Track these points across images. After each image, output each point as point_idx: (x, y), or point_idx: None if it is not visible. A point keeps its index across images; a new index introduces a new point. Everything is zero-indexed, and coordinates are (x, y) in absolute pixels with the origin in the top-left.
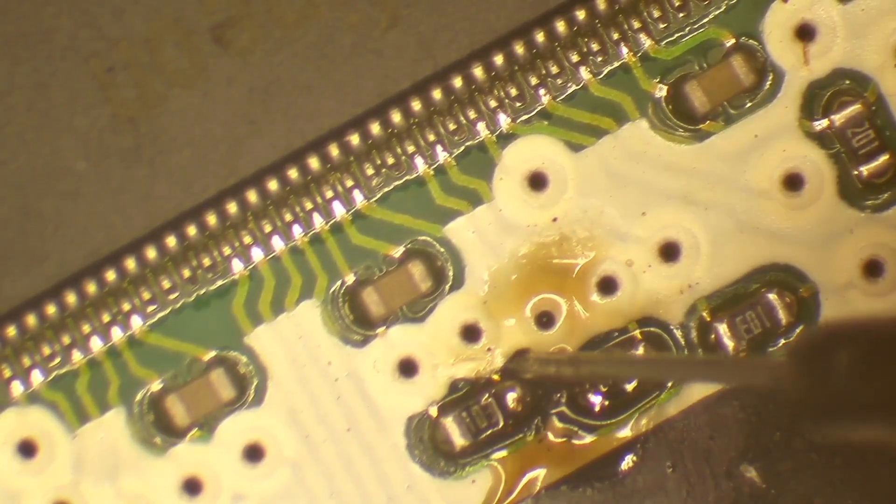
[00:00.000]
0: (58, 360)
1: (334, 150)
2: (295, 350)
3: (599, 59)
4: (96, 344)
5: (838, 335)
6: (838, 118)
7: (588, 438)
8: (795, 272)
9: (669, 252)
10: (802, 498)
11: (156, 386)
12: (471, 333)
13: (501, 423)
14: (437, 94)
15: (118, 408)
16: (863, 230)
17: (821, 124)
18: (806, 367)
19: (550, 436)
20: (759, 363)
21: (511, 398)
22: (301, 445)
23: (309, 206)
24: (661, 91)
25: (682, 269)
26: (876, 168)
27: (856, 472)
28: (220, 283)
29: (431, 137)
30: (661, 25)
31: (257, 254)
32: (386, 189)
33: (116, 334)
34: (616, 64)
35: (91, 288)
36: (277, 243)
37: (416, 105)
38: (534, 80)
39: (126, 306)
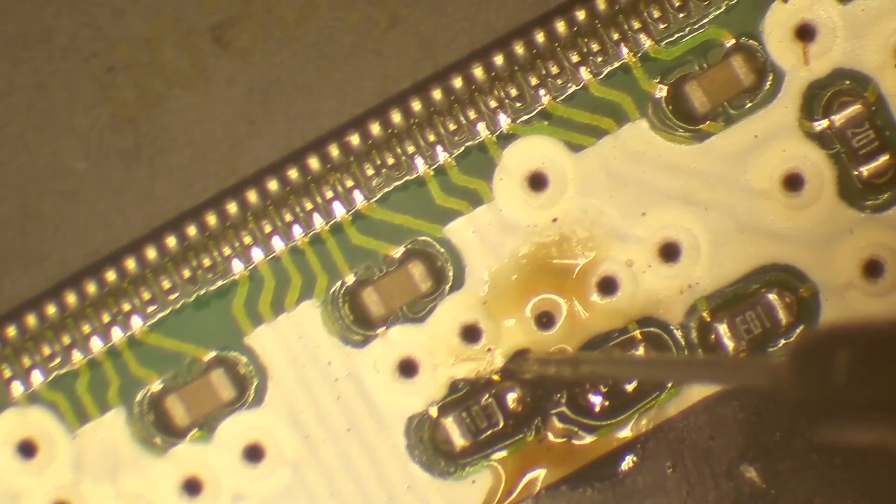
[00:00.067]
0: (58, 360)
1: (334, 150)
2: (295, 350)
3: (599, 59)
4: (96, 344)
5: (838, 336)
6: (838, 118)
7: (588, 439)
8: (795, 272)
9: (669, 252)
10: (802, 498)
11: (156, 386)
12: (471, 333)
13: (501, 424)
14: (437, 94)
15: (118, 408)
16: (863, 230)
17: (821, 124)
18: (805, 368)
19: (550, 436)
20: (758, 364)
21: (511, 398)
22: (301, 445)
23: (309, 206)
24: (661, 91)
25: (682, 269)
26: (876, 168)
27: (856, 472)
28: (220, 283)
29: (431, 137)
30: (661, 26)
31: (257, 254)
32: (386, 189)
33: (116, 334)
34: (616, 64)
35: (91, 288)
36: (277, 243)
37: (416, 105)
38: (534, 81)
39: (126, 306)
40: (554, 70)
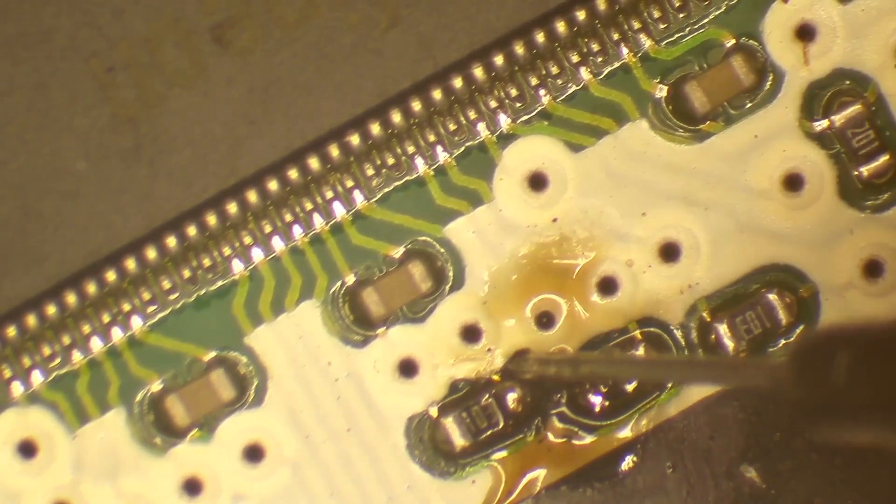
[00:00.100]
0: (58, 360)
1: (334, 150)
2: (295, 350)
3: (599, 59)
4: (96, 344)
5: (837, 336)
6: (838, 118)
7: (588, 439)
8: (795, 272)
9: (669, 252)
10: (802, 498)
11: (156, 386)
12: (471, 334)
13: (501, 424)
14: (437, 94)
15: (118, 408)
16: (863, 230)
17: (821, 124)
18: (805, 369)
19: (550, 436)
20: (758, 364)
21: (511, 398)
22: (301, 445)
23: (309, 206)
24: (661, 91)
25: (682, 269)
26: (876, 168)
27: (856, 472)
28: (220, 283)
29: (431, 137)
30: (661, 26)
31: (257, 254)
32: (386, 189)
33: (116, 334)
34: (616, 64)
35: (91, 288)
36: (277, 243)
37: (416, 105)
38: (534, 81)
39: (126, 306)
40: (554, 70)
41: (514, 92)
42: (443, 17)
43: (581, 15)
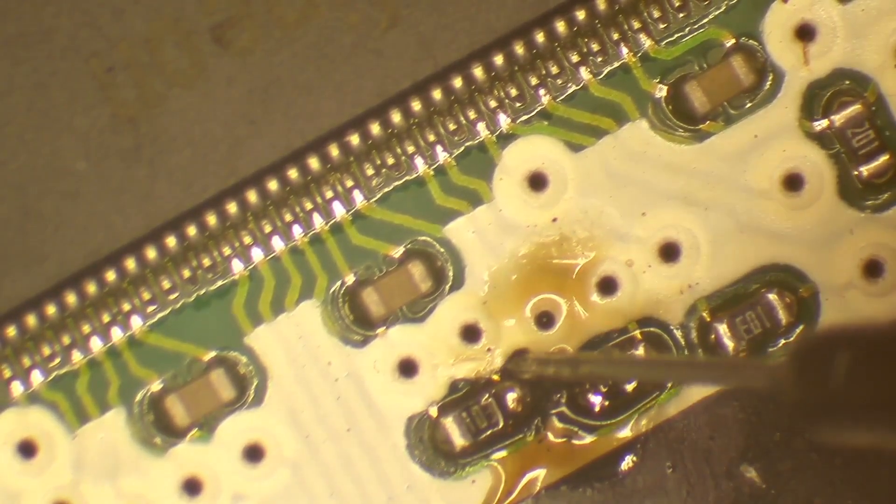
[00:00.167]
0: (58, 360)
1: (334, 150)
2: (295, 350)
3: (599, 59)
4: (96, 344)
5: (837, 337)
6: (838, 118)
7: (588, 438)
8: (795, 272)
9: (669, 252)
10: (802, 498)
11: (156, 386)
12: (471, 333)
13: (501, 424)
14: (437, 94)
15: (118, 408)
16: (863, 230)
17: (821, 124)
18: (805, 369)
19: (550, 436)
20: (757, 365)
21: (511, 398)
22: (301, 445)
23: (309, 206)
24: (661, 91)
25: (682, 269)
26: (876, 168)
27: (856, 472)
28: (220, 283)
29: (431, 137)
30: (661, 25)
31: (257, 254)
32: (386, 189)
33: (116, 334)
34: (616, 64)
35: (91, 288)
36: (277, 243)
37: (416, 105)
38: (534, 81)
39: (126, 306)
40: (554, 70)
41: (513, 92)
42: (443, 17)
43: (581, 15)
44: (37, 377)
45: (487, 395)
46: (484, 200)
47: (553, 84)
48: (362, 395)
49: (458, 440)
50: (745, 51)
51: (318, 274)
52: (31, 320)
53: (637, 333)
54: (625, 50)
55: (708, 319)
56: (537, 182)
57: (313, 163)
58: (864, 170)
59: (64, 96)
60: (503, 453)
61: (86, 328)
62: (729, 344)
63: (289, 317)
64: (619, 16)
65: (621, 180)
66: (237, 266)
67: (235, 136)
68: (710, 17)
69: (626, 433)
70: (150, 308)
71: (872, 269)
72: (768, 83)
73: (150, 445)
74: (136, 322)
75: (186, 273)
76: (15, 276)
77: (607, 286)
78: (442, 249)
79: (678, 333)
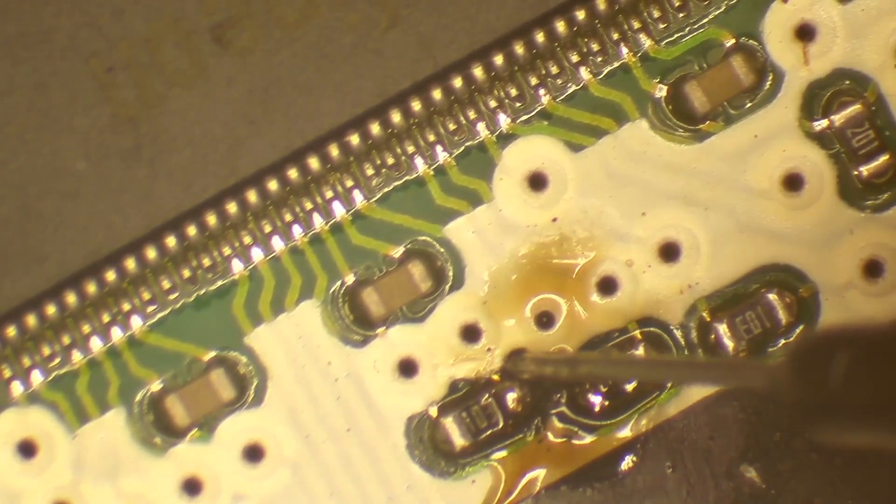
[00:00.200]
0: (58, 360)
1: (334, 150)
2: (295, 350)
3: (599, 59)
4: (96, 344)
5: (835, 338)
6: (838, 118)
7: (588, 438)
8: (795, 272)
9: (669, 252)
10: (802, 498)
11: (156, 386)
12: (471, 333)
13: (501, 424)
14: (437, 94)
15: (118, 408)
16: (863, 230)
17: (821, 124)
18: (803, 370)
19: (550, 436)
20: (756, 365)
21: (511, 398)
22: (301, 445)
23: (309, 206)
24: (661, 91)
25: (682, 269)
26: (876, 168)
27: (856, 472)
28: (220, 283)
29: (431, 137)
30: (661, 25)
31: (257, 254)
32: (386, 189)
33: (116, 334)
34: (616, 64)
35: (91, 288)
36: (277, 243)
37: (416, 105)
38: (534, 80)
39: (126, 306)
40: (554, 70)
41: (513, 92)
42: (443, 17)
43: (581, 15)
44: (37, 377)
45: (487, 395)
46: (484, 200)
47: (553, 84)
48: (362, 395)
49: (458, 440)
50: (745, 51)
51: (318, 274)
52: (31, 320)
53: (637, 333)
54: (625, 50)
55: (708, 319)
56: (537, 182)
57: (313, 163)
58: (864, 170)
59: (64, 96)
60: (503, 453)
61: (86, 328)
62: (729, 344)
63: (289, 317)
64: (619, 16)
65: (621, 180)
66: (237, 266)
67: (235, 136)
68: (710, 17)
69: (626, 433)
70: (150, 308)
71: (872, 269)
72: (768, 83)
73: (150, 445)
74: (136, 322)
75: (186, 273)
76: (15, 276)
77: (607, 286)
78: (442, 249)
79: (678, 333)
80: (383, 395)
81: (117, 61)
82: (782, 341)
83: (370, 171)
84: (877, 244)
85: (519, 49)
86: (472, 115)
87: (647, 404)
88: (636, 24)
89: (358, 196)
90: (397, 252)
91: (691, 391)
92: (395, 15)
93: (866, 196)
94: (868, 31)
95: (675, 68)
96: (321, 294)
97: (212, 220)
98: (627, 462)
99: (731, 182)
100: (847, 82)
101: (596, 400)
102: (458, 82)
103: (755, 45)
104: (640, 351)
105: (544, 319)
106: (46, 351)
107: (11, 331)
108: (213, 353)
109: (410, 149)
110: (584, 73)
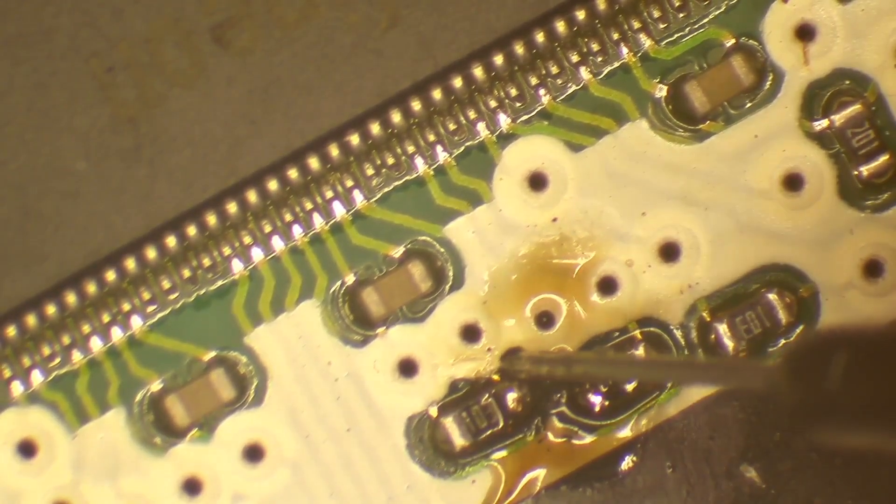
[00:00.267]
0: (58, 360)
1: (334, 150)
2: (295, 350)
3: (599, 59)
4: (96, 344)
5: (833, 339)
6: (838, 118)
7: (588, 438)
8: (795, 272)
9: (669, 252)
10: (802, 498)
11: (156, 386)
12: (471, 333)
13: (501, 424)
14: (437, 94)
15: (118, 408)
16: (863, 230)
17: (821, 124)
18: (800, 371)
19: (550, 436)
20: (753, 366)
21: (511, 398)
22: (301, 445)
23: (309, 206)
24: (661, 91)
25: (682, 269)
26: (876, 168)
27: (856, 472)
28: (220, 283)
29: (431, 137)
30: (661, 25)
31: (257, 254)
32: (386, 189)
33: (116, 334)
34: (616, 64)
35: (91, 288)
36: (277, 243)
37: (416, 105)
38: (534, 80)
39: (126, 306)
40: (554, 70)
41: (513, 92)
42: (443, 17)
43: (581, 15)
44: (37, 377)
45: (487, 395)
46: (484, 200)
47: (553, 84)
48: (362, 395)
49: (458, 440)
50: (745, 51)
51: (318, 274)
52: (31, 320)
53: (637, 333)
54: (625, 50)
55: (708, 319)
56: (537, 182)
57: (313, 163)
58: (864, 170)
59: (64, 96)
60: (503, 453)
61: (86, 328)
62: (729, 344)
63: (289, 317)
64: (619, 16)
65: (621, 180)
66: (237, 266)
67: (235, 136)
68: (710, 17)
69: (626, 433)
70: (150, 308)
71: (872, 269)
72: (768, 83)
73: (150, 445)
74: (136, 322)
75: (186, 273)
76: (15, 276)
77: (607, 286)
78: (442, 249)
79: (678, 333)
80: (383, 395)
81: (117, 61)
82: (782, 341)
83: (370, 171)
84: (877, 244)
85: (519, 49)
86: (472, 115)
87: (647, 404)
88: (636, 24)
89: (358, 196)
90: (397, 252)
91: (691, 391)
92: (395, 15)
93: (866, 196)
94: (868, 31)
95: (675, 68)
96: (321, 294)
97: (212, 220)
98: (627, 462)
99: (731, 182)
100: (847, 82)
101: (596, 400)
102: (458, 82)
103: (755, 45)
104: (640, 351)
105: (544, 319)
106: (46, 351)
107: (11, 331)
108: (213, 353)
109: (410, 149)
110: (584, 73)
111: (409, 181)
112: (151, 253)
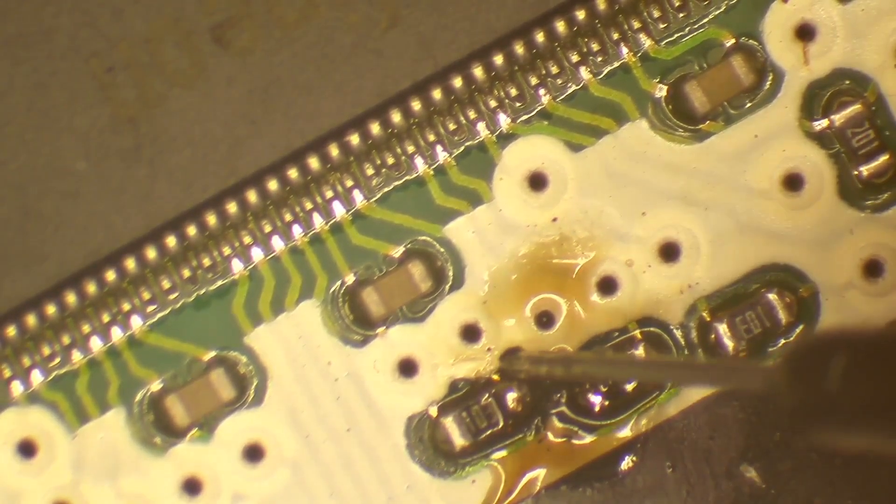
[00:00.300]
0: (58, 360)
1: (334, 150)
2: (295, 350)
3: (599, 59)
4: (96, 344)
5: (832, 340)
6: (838, 118)
7: (588, 438)
8: (795, 272)
9: (669, 252)
10: (802, 498)
11: (156, 386)
12: (471, 333)
13: (501, 423)
14: (437, 94)
15: (118, 408)
16: (863, 230)
17: (821, 124)
18: (799, 373)
19: (550, 436)
20: (752, 367)
21: (511, 398)
22: (301, 445)
23: (309, 206)
24: (661, 91)
25: (682, 269)
26: (876, 168)
27: (856, 472)
28: (220, 283)
29: (431, 137)
30: (661, 25)
31: (257, 254)
32: (386, 189)
33: (116, 334)
34: (616, 64)
35: (91, 288)
36: (277, 243)
37: (416, 105)
38: (534, 80)
39: (126, 306)
40: (554, 70)
41: (513, 92)
42: (443, 17)
43: (581, 15)
44: (37, 377)
45: (487, 395)
46: (484, 200)
47: (553, 84)
48: (362, 395)
49: (458, 440)
50: (745, 51)
51: (318, 274)
52: (31, 320)
53: (637, 333)
54: (625, 50)
55: (708, 319)
56: (537, 182)
57: (313, 163)
58: (864, 170)
59: (64, 96)
60: (503, 453)
61: (86, 328)
62: (729, 344)
63: (289, 317)
64: (619, 16)
65: (621, 180)
66: (237, 266)
67: (235, 136)
68: (710, 16)
69: (625, 433)
70: (150, 308)
71: (872, 269)
72: (768, 83)
73: (150, 445)
74: (136, 322)
75: (186, 273)
76: (15, 276)
77: (607, 286)
78: (442, 249)
79: (678, 333)
80: (383, 395)
81: (117, 61)
82: (782, 341)
83: (370, 171)
84: (877, 244)
85: (519, 49)
86: (472, 115)
87: (647, 404)
88: (636, 24)
89: (358, 196)
90: (397, 252)
91: (691, 391)
92: (395, 15)
93: (866, 196)
94: (868, 31)
95: (675, 68)
96: (321, 294)
97: (212, 220)
98: (627, 462)
99: (731, 182)
100: (847, 82)
101: (596, 400)
102: (458, 82)
103: (755, 45)
104: (640, 351)
105: (544, 319)
106: (46, 351)
107: (11, 331)
108: (213, 353)
109: (410, 149)
110: (584, 72)
111: (409, 181)
112: (151, 253)
